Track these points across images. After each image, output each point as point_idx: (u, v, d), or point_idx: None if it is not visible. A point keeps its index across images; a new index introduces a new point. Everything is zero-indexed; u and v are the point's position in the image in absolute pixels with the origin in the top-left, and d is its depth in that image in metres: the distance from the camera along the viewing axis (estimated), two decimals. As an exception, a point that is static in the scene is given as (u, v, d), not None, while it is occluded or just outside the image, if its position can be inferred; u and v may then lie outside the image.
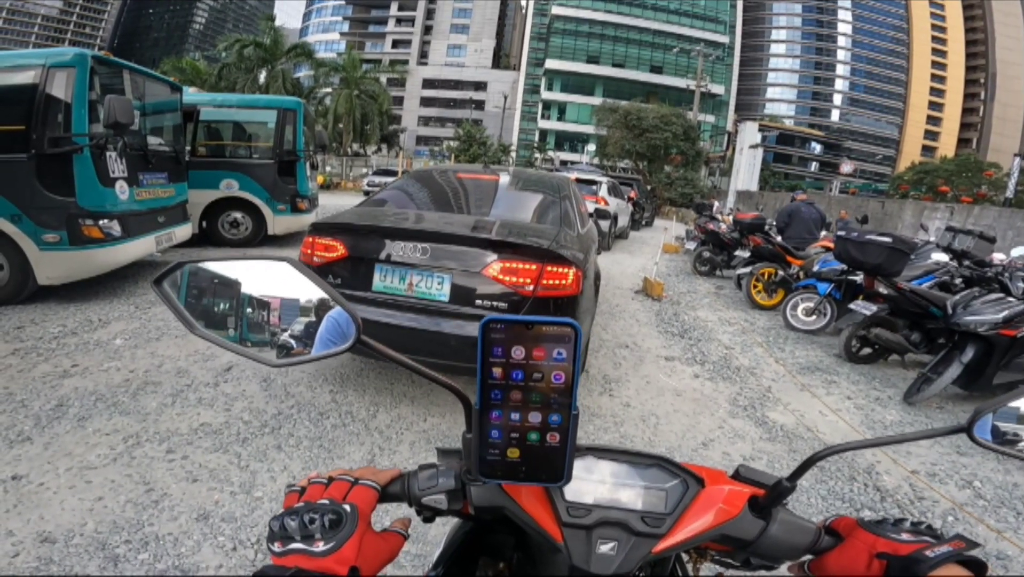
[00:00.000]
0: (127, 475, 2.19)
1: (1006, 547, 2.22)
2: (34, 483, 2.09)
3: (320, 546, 0.48)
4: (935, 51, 67.90)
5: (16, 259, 4.13)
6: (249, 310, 0.56)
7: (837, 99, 68.03)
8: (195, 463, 2.31)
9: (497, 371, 0.48)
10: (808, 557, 0.59)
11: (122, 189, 4.50)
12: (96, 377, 3.07)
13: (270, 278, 0.54)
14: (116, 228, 4.37)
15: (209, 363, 3.38)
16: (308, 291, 0.53)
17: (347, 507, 0.52)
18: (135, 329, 3.90)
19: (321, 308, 0.54)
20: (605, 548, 0.56)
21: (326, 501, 0.53)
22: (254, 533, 1.91)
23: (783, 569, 0.62)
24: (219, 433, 2.57)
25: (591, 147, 37.40)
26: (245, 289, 0.55)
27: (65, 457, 2.28)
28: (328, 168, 26.76)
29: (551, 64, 53.66)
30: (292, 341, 0.55)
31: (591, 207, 7.16)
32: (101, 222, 4.25)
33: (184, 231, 5.70)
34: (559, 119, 55.07)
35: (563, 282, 2.60)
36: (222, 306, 0.56)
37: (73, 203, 4.11)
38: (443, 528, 0.64)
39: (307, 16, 72.64)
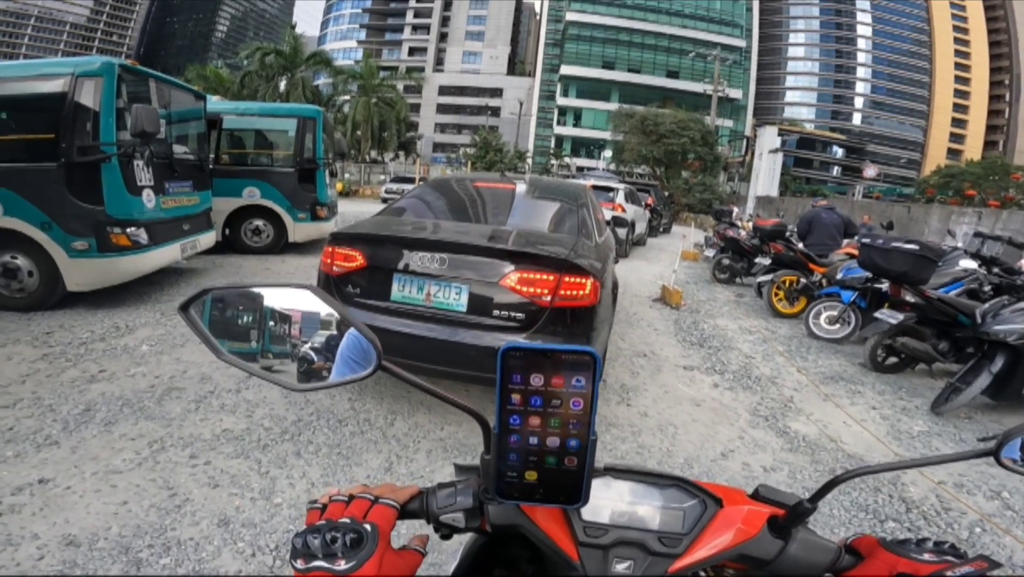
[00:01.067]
0: (151, 480, 2.23)
1: (1036, 561, 2.14)
2: (60, 486, 2.13)
3: (342, 565, 0.49)
4: (958, 52, 66.40)
5: (46, 266, 4.21)
6: (271, 323, 0.57)
7: (858, 102, 66.77)
8: (217, 468, 2.35)
9: (516, 397, 0.48)
10: (827, 576, 0.58)
11: (149, 197, 4.57)
12: (123, 382, 3.14)
13: (293, 305, 0.55)
14: (143, 236, 4.44)
15: (232, 370, 3.42)
16: (331, 318, 0.55)
17: (368, 526, 0.53)
18: (161, 335, 3.98)
19: (347, 346, 0.55)
20: (621, 567, 0.56)
21: (347, 520, 0.54)
22: (272, 539, 1.94)
23: None
24: (240, 439, 2.61)
25: (607, 153, 37.32)
26: (270, 315, 0.56)
27: (91, 461, 2.32)
28: (347, 175, 27.12)
29: (566, 70, 53.76)
30: (313, 354, 0.56)
31: (608, 214, 7.14)
32: (129, 230, 4.32)
33: (208, 239, 5.76)
34: (575, 125, 55.09)
35: (581, 292, 2.59)
36: (243, 324, 0.58)
37: (102, 211, 4.18)
38: (459, 537, 0.65)
39: (325, 24, 73.86)
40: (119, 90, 4.24)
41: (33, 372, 3.18)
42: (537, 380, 0.47)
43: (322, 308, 0.55)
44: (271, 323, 0.57)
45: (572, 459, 0.49)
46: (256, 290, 0.58)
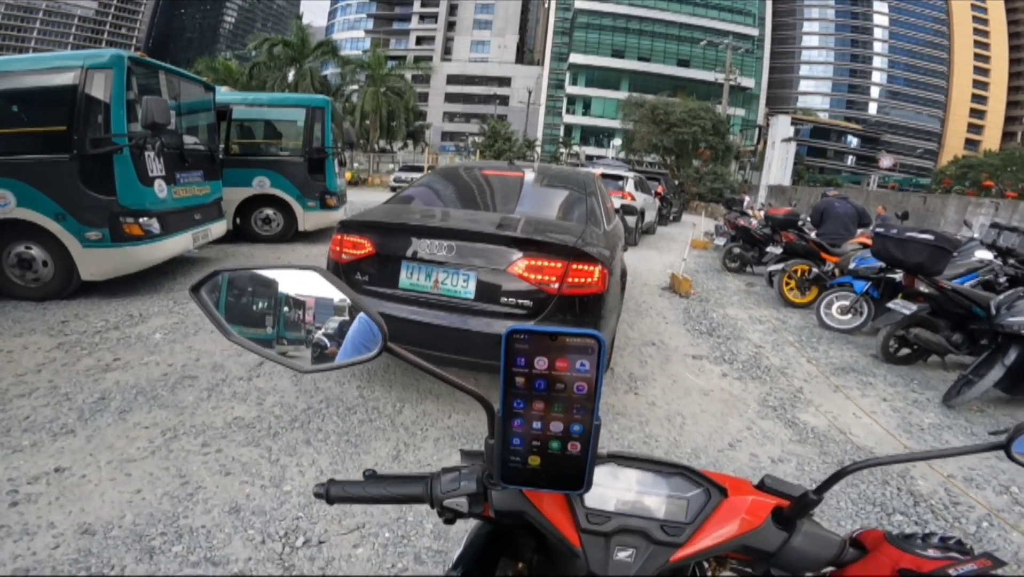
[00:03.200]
0: (164, 468, 2.26)
1: (1045, 556, 2.12)
2: (76, 475, 2.16)
3: None
4: (977, 43, 64.81)
5: (60, 256, 4.28)
6: (286, 309, 0.57)
7: (874, 92, 65.46)
8: (228, 456, 2.38)
9: (520, 381, 0.48)
10: (829, 569, 0.58)
11: (161, 188, 4.62)
12: (137, 371, 3.19)
13: (300, 287, 0.55)
14: (155, 225, 4.50)
15: (243, 358, 3.47)
16: (338, 300, 0.55)
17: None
18: (173, 324, 4.03)
19: (354, 328, 0.56)
20: (623, 555, 0.56)
21: None
22: (282, 527, 1.96)
23: None
24: (251, 427, 2.64)
25: (617, 142, 37.00)
26: (279, 297, 0.57)
27: (107, 450, 2.35)
28: (356, 164, 27.15)
29: (575, 58, 53.14)
30: (326, 340, 0.56)
31: (617, 202, 7.10)
32: (141, 220, 4.37)
33: (219, 228, 5.82)
34: (584, 114, 54.54)
35: (589, 280, 2.59)
36: (258, 309, 0.58)
37: (114, 202, 4.24)
38: (464, 527, 0.65)
39: (332, 14, 73.59)
40: (129, 82, 4.28)
41: (49, 361, 3.23)
42: (541, 363, 0.47)
43: (329, 290, 0.55)
44: (285, 309, 0.57)
45: (576, 444, 0.49)
46: (265, 272, 0.59)
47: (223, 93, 7.47)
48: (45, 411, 2.64)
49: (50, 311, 4.13)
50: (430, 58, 61.16)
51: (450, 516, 0.61)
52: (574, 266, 2.57)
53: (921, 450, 0.56)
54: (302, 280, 0.56)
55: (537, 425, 0.49)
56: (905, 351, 4.39)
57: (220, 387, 3.05)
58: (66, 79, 4.16)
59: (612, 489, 0.61)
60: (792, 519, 0.57)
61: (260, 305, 0.58)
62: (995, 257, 5.20)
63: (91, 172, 4.18)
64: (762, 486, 0.63)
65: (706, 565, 0.72)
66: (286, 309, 0.57)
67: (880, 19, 65.17)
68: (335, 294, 0.55)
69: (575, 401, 0.48)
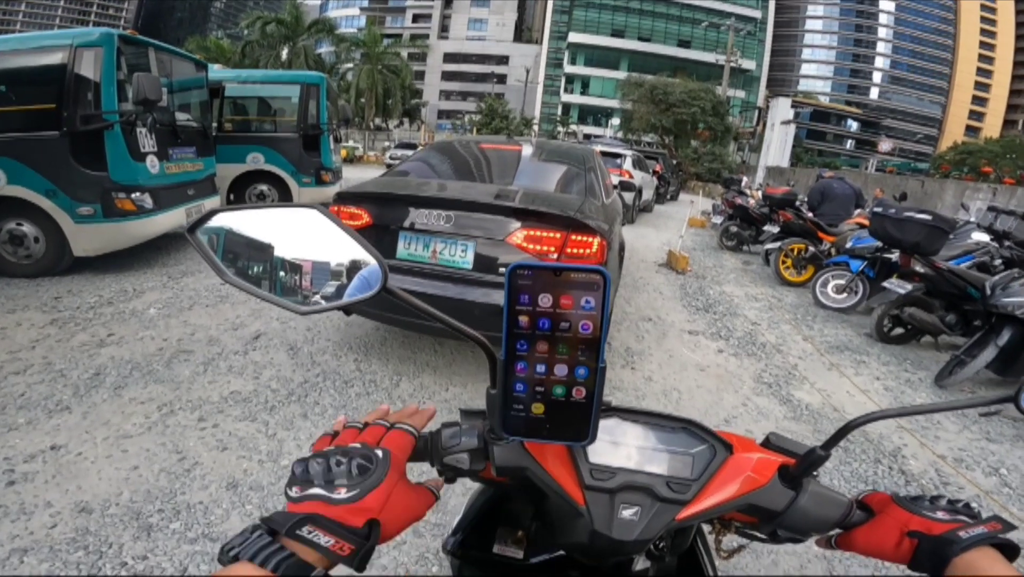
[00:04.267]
0: (161, 444, 2.24)
1: (1031, 536, 2.15)
2: (72, 453, 2.13)
3: (341, 493, 0.44)
4: (984, 31, 64.16)
5: (52, 232, 4.26)
6: (282, 269, 0.55)
7: (877, 76, 64.79)
8: (225, 431, 2.37)
9: (524, 320, 0.46)
10: (837, 531, 0.57)
11: (152, 163, 4.60)
12: (132, 346, 3.17)
13: (299, 226, 0.54)
14: (148, 201, 4.48)
15: (239, 331, 3.46)
16: (337, 240, 0.53)
17: (379, 452, 0.48)
18: (168, 299, 4.01)
19: (353, 267, 0.54)
20: (627, 513, 0.54)
21: (357, 445, 0.49)
22: (280, 502, 1.95)
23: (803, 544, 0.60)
24: (248, 401, 2.64)
25: (615, 121, 36.64)
26: (276, 237, 0.55)
27: (103, 426, 2.33)
28: (351, 142, 26.85)
29: (574, 37, 52.36)
30: (323, 301, 0.55)
31: (615, 180, 7.07)
32: (133, 195, 4.36)
33: (213, 203, 5.79)
34: (583, 93, 53.96)
35: (587, 251, 2.58)
36: (253, 261, 0.56)
37: (106, 177, 4.22)
38: (462, 497, 0.64)
39: (328, -9, 72.01)
40: (119, 60, 4.26)
41: (43, 337, 3.20)
42: (545, 301, 0.45)
43: (329, 229, 0.53)
44: (281, 267, 0.56)
45: (580, 389, 0.47)
46: (263, 211, 0.57)
47: (216, 70, 7.41)
48: (40, 388, 2.61)
49: (43, 287, 4.10)
50: (427, 36, 60.13)
51: (451, 474, 0.58)
52: (573, 237, 2.56)
53: (928, 403, 0.55)
54: (300, 222, 0.54)
55: (541, 369, 0.47)
56: (899, 331, 4.42)
57: (216, 361, 3.05)
58: (56, 58, 4.16)
59: (615, 444, 0.59)
60: (799, 477, 0.56)
61: (255, 255, 0.56)
62: (991, 240, 5.21)
63: (82, 148, 4.17)
64: (767, 444, 0.61)
65: (708, 528, 0.70)
66: (282, 274, 0.56)
67: (886, 4, 64.24)
68: (334, 240, 0.53)
69: (580, 341, 0.46)
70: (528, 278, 0.45)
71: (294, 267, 0.55)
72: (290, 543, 0.42)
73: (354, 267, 0.54)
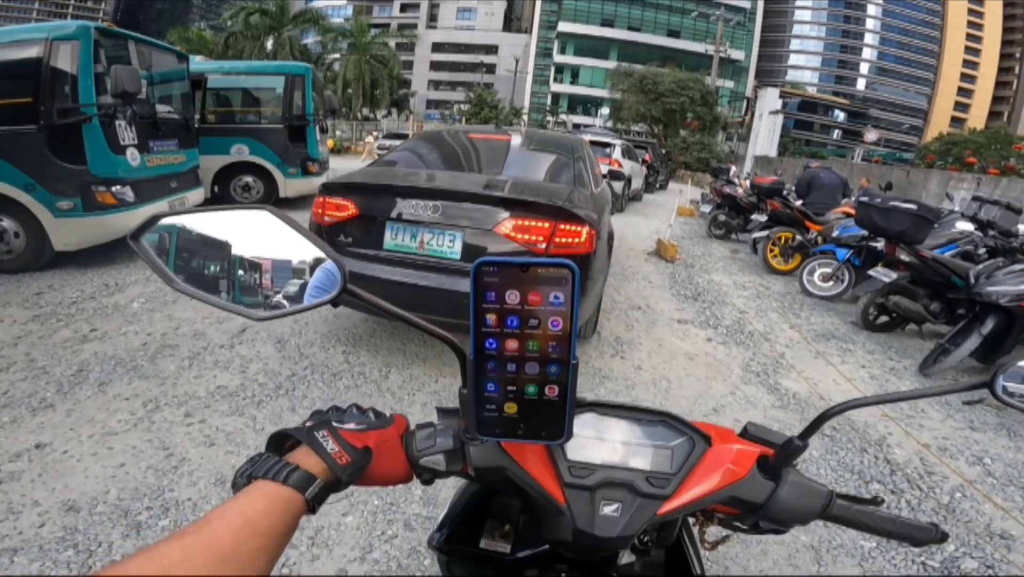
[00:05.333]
0: (147, 440, 2.21)
1: (1011, 526, 2.17)
2: (58, 451, 2.10)
3: (350, 426, 0.53)
4: (971, 23, 64.63)
5: (32, 227, 4.18)
6: (240, 268, 0.53)
7: (864, 67, 65.15)
8: (212, 427, 2.34)
9: (491, 318, 0.45)
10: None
11: (133, 156, 4.53)
12: (115, 341, 3.12)
13: (251, 229, 0.51)
14: (129, 194, 4.41)
15: (224, 325, 3.42)
16: (291, 241, 0.51)
17: (388, 412, 0.58)
18: (151, 293, 3.95)
19: (315, 264, 0.52)
20: (609, 510, 0.54)
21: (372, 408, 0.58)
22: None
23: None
24: (235, 395, 2.61)
25: (605, 111, 36.59)
26: (227, 240, 0.52)
27: (88, 424, 2.29)
28: (338, 132, 26.54)
29: (564, 27, 52.08)
30: (285, 302, 0.53)
31: (604, 169, 7.08)
32: (114, 188, 4.29)
33: (197, 195, 5.74)
34: (572, 83, 53.79)
35: (576, 240, 2.57)
36: (209, 260, 0.54)
37: (85, 171, 4.15)
38: (451, 490, 0.63)
39: (314, -21, 70.73)
40: (97, 53, 4.18)
41: (25, 334, 3.13)
42: (513, 297, 0.44)
43: (283, 230, 0.51)
44: (240, 272, 0.53)
45: (553, 388, 0.46)
46: (211, 214, 0.54)
47: (198, 62, 7.32)
48: (23, 385, 2.56)
49: (24, 283, 4.02)
50: (415, 26, 59.39)
51: (428, 476, 0.57)
52: (561, 226, 2.55)
53: (907, 390, 0.55)
54: (251, 224, 0.52)
55: (511, 367, 0.46)
56: (884, 319, 4.47)
57: (202, 355, 3.01)
58: (32, 52, 4.08)
59: (593, 440, 0.59)
60: (778, 467, 0.56)
61: (209, 260, 0.54)
62: (976, 229, 5.27)
63: (60, 142, 4.10)
64: (745, 434, 0.61)
65: (692, 520, 0.70)
66: (241, 273, 0.53)
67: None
68: (290, 240, 0.51)
69: (550, 338, 0.45)
70: (494, 275, 0.44)
71: (253, 265, 0.53)
72: (296, 456, 0.49)
73: (319, 272, 0.52)
